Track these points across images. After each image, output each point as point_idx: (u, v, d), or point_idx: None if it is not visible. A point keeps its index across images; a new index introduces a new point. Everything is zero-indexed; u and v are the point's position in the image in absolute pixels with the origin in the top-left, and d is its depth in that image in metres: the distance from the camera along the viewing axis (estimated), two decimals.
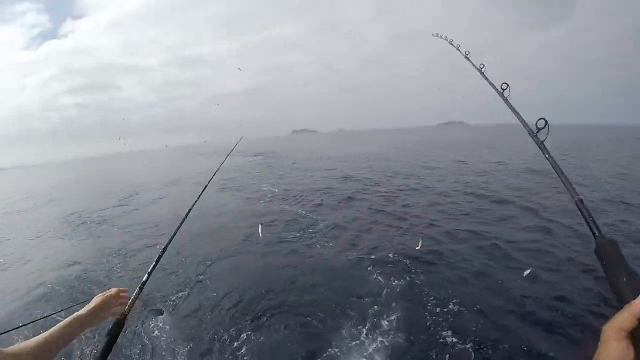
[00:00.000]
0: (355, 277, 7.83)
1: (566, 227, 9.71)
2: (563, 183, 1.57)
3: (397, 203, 14.11)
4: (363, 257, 8.78)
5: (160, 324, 6.43)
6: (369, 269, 8.10)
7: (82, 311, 1.65)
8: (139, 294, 1.90)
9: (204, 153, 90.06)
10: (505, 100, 2.57)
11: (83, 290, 8.46)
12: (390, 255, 8.63)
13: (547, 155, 1.82)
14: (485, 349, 5.08)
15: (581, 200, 1.40)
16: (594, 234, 1.20)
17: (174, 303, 7.46)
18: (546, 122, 1.83)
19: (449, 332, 5.52)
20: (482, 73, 3.33)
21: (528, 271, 7.12)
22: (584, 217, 1.32)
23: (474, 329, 5.53)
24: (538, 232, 9.64)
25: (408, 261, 8.19)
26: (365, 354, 5.22)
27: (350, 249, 9.44)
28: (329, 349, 5.39)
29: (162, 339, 6.04)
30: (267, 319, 6.42)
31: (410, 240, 9.43)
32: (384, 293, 6.87)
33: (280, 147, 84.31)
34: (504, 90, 2.62)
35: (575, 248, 8.31)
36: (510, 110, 2.54)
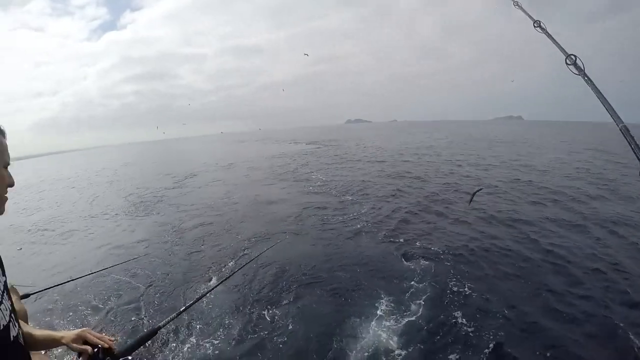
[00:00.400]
0: (389, 261, 8.20)
1: (620, 237, 9.21)
2: (607, 110, 1.67)
3: (444, 198, 14.03)
4: (400, 245, 9.08)
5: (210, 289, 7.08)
6: (403, 255, 8.43)
7: (60, 335, 1.76)
8: (175, 317, 2.11)
9: (259, 139, 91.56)
10: (543, 30, 2.71)
11: (144, 261, 9.25)
12: (429, 246, 8.81)
13: (590, 85, 1.92)
14: (504, 347, 5.14)
15: (626, 128, 1.52)
16: (638, 159, 1.35)
17: (222, 270, 8.32)
18: (576, 56, 2.05)
19: (464, 319, 5.74)
20: (517, 5, 3.47)
21: None
22: (629, 143, 1.46)
23: (497, 324, 5.61)
24: (592, 239, 9.11)
25: (443, 253, 8.35)
26: (383, 327, 5.66)
27: (389, 236, 9.75)
28: (354, 319, 5.91)
29: (210, 306, 6.66)
30: (302, 291, 7.05)
31: (451, 236, 9.57)
32: (413, 279, 7.16)
33: (334, 136, 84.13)
34: (540, 23, 2.79)
35: (629, 262, 7.68)
36: (549, 39, 2.65)
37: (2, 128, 1.36)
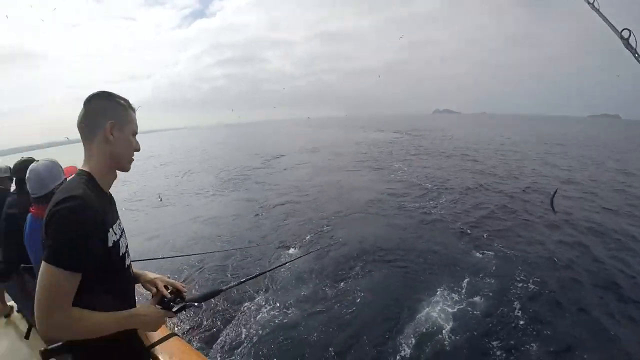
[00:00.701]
0: (460, 251, 8.42)
1: None
2: None
3: (526, 198, 13.37)
4: (474, 238, 9.21)
5: (286, 257, 7.86)
6: (474, 247, 8.57)
7: (140, 273, 1.96)
8: (236, 285, 2.28)
9: (344, 126, 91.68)
10: (594, 8, 2.64)
11: (233, 231, 10.18)
12: (502, 244, 8.75)
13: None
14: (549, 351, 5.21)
15: None
16: None
17: (302, 243, 9.08)
18: (630, 31, 2.00)
19: (520, 314, 5.92)
20: None
21: None
22: None
23: (552, 329, 5.65)
24: None
25: (516, 252, 8.26)
26: (443, 309, 6.03)
27: (464, 229, 9.86)
28: (418, 297, 6.39)
29: (288, 274, 7.34)
30: (374, 267, 7.59)
31: (526, 236, 9.38)
32: (481, 271, 7.33)
33: (420, 126, 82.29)
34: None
35: None
36: (600, 17, 2.55)
37: (133, 105, 1.66)
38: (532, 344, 5.24)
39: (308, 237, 9.34)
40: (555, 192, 8.91)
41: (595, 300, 6.45)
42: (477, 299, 6.35)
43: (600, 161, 24.39)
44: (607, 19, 2.35)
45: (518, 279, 7.04)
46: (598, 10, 2.55)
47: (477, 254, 8.22)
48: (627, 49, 1.94)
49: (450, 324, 5.67)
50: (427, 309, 6.04)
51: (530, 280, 6.92)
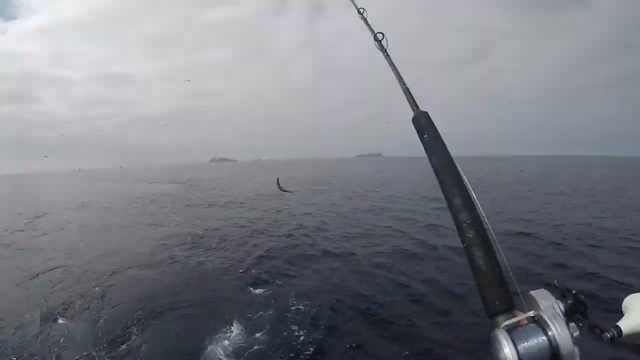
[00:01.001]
0: (235, 289, 9.60)
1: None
2: (397, 79, 1.95)
3: (293, 237, 15.36)
4: (248, 277, 10.46)
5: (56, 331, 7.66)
6: (249, 284, 9.83)
7: None
8: None
9: (119, 178, 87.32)
10: (363, 17, 2.81)
11: None
12: (272, 278, 10.30)
13: (389, 62, 2.16)
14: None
15: (406, 88, 1.84)
16: (412, 108, 1.65)
17: (73, 310, 8.75)
18: (384, 35, 2.29)
19: (301, 333, 7.11)
20: None
21: None
22: (407, 97, 1.76)
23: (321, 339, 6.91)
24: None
25: (286, 285, 9.78)
26: (230, 343, 6.85)
27: (239, 269, 11.12)
28: (199, 339, 7.02)
29: (59, 350, 7.00)
30: (153, 316, 8.08)
31: (288, 269, 11.07)
32: (257, 306, 8.45)
33: (195, 175, 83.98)
34: (363, 11, 2.88)
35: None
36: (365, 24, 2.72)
37: None
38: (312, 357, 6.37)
39: (79, 303, 9.04)
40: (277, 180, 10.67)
41: (363, 307, 8.18)
42: (257, 331, 7.23)
43: (361, 193, 30.50)
44: (368, 24, 2.65)
45: (292, 305, 8.37)
46: (365, 18, 2.79)
47: (254, 291, 9.40)
48: (378, 49, 2.29)
49: (235, 358, 6.40)
50: (210, 349, 6.63)
51: (301, 305, 8.33)
